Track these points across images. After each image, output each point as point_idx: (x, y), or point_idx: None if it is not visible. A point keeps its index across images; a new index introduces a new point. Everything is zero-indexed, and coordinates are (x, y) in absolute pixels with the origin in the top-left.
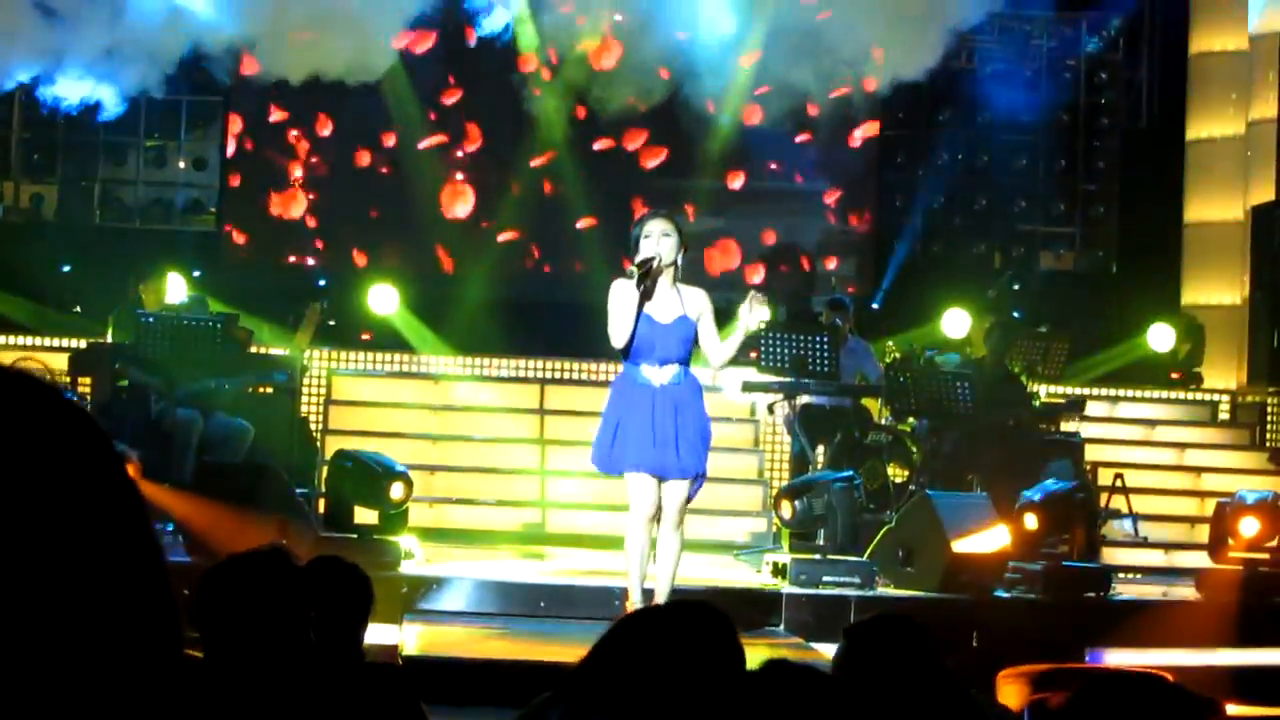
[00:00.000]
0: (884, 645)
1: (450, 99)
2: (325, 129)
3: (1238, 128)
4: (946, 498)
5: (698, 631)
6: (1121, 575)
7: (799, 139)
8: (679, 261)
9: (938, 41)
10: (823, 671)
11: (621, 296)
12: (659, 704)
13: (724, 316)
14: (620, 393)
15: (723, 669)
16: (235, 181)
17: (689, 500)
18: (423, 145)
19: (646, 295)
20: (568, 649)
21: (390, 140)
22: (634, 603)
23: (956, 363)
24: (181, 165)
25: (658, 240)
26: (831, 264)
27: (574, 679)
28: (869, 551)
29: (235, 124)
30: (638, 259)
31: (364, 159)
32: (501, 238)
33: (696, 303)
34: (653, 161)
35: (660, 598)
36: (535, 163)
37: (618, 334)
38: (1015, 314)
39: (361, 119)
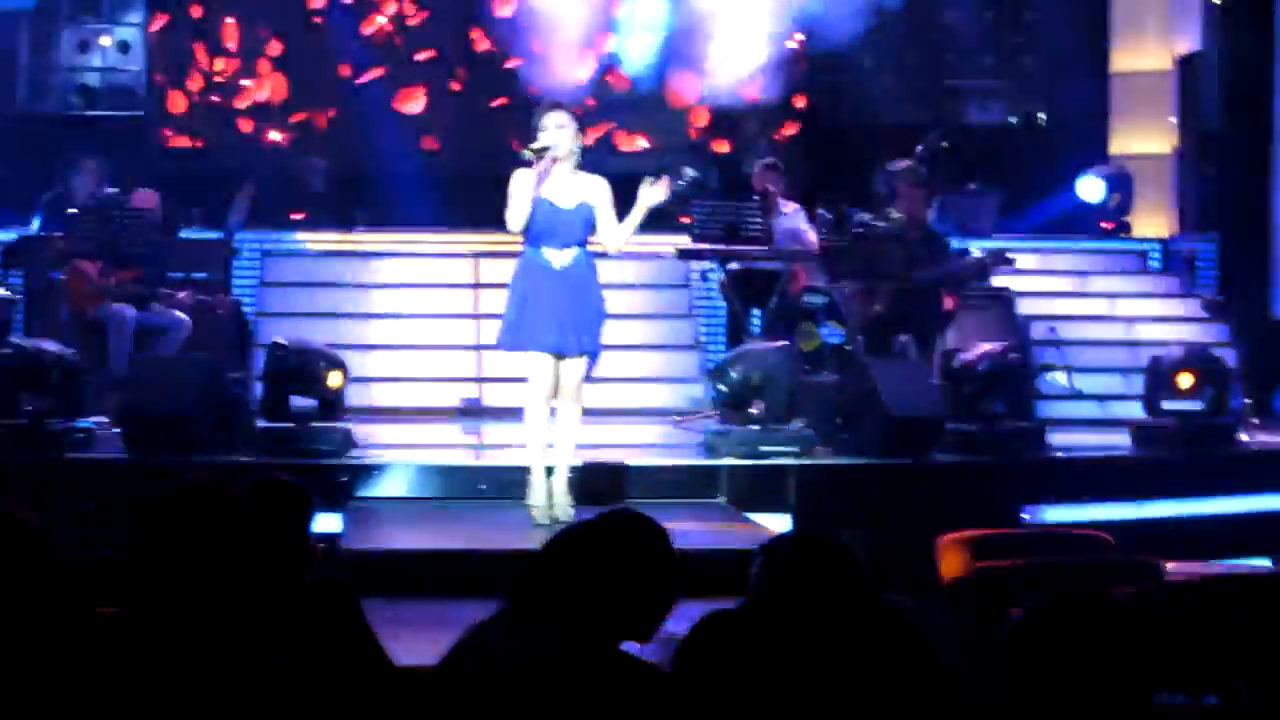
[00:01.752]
0: (803, 567)
1: None
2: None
3: None
4: (882, 363)
5: (634, 544)
6: (1057, 428)
7: None
8: (576, 150)
9: None
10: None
11: (521, 183)
12: (598, 616)
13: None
14: (523, 275)
15: (658, 579)
16: (160, 67)
17: (586, 376)
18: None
19: (541, 178)
20: (508, 534)
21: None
22: (537, 485)
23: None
24: (106, 45)
25: (554, 131)
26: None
27: (514, 594)
28: (807, 420)
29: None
30: (532, 145)
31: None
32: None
33: (596, 190)
34: None
35: (562, 467)
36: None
37: (514, 218)
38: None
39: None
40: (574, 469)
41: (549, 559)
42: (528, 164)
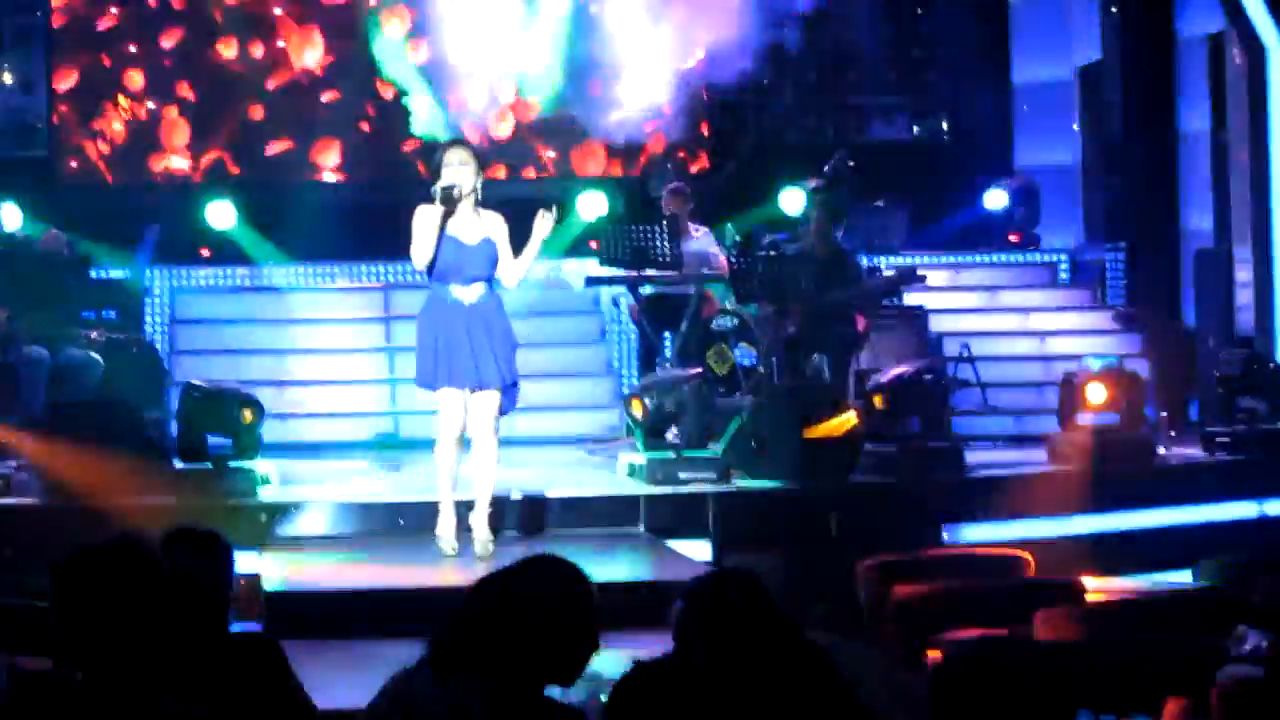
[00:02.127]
0: (723, 606)
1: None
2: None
3: None
4: (796, 387)
5: (554, 589)
6: (973, 445)
7: None
8: (478, 187)
9: None
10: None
11: (424, 220)
12: (522, 661)
13: None
14: (432, 312)
15: (580, 623)
16: (64, 103)
17: (505, 410)
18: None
19: (447, 217)
20: (428, 571)
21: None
22: (445, 517)
23: (785, 241)
24: (8, 82)
25: (456, 169)
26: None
27: (437, 641)
28: (723, 445)
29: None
30: (438, 185)
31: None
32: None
33: (497, 225)
34: None
35: (482, 503)
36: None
37: (419, 256)
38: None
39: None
40: (493, 502)
41: (470, 605)
42: (429, 200)
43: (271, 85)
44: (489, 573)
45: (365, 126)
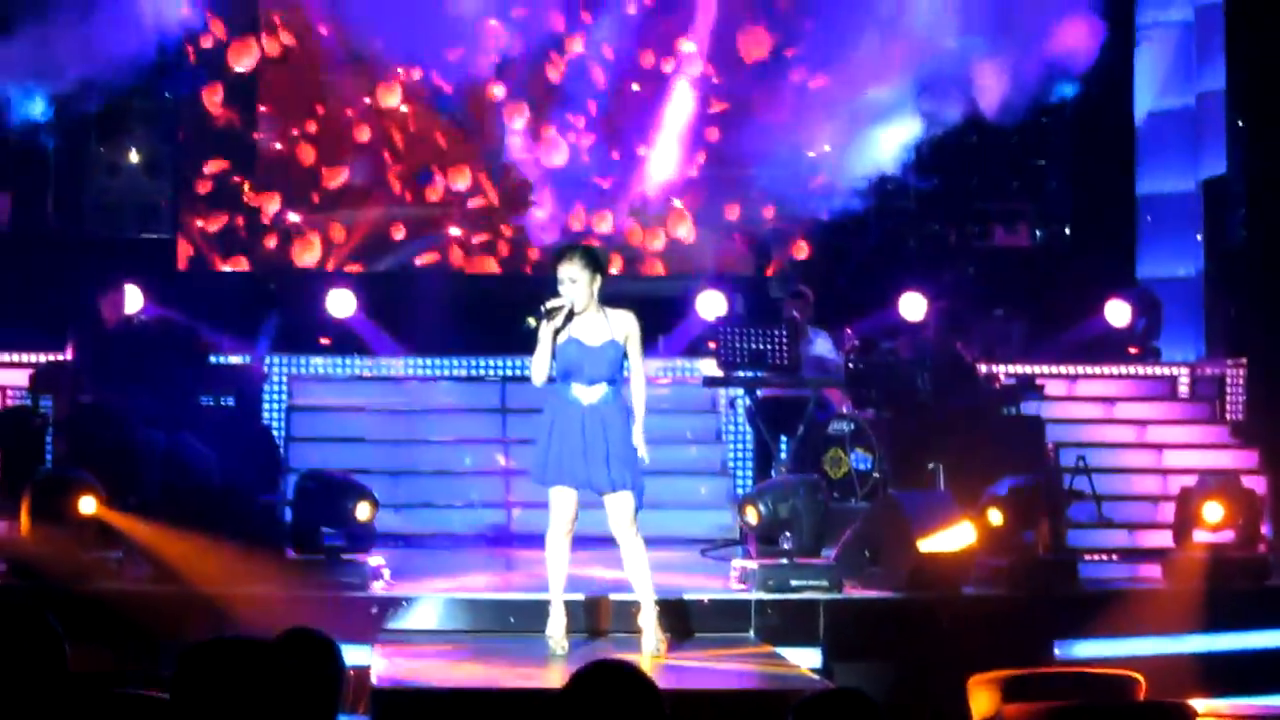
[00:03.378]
0: None
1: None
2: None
3: (1187, 99)
4: (911, 495)
5: (625, 699)
6: (1087, 558)
7: None
8: (594, 292)
9: None
10: None
11: (541, 335)
12: None
13: None
14: (552, 410)
15: None
16: (191, 186)
17: (636, 511)
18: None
19: (557, 333)
20: (537, 671)
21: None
22: (555, 617)
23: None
24: (134, 161)
25: (567, 285)
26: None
27: None
28: (835, 552)
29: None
30: (546, 305)
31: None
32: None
33: (623, 326)
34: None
35: (646, 604)
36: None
37: (536, 373)
38: (969, 296)
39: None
40: (657, 603)
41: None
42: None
43: (410, 199)
44: (562, 685)
45: (490, 223)
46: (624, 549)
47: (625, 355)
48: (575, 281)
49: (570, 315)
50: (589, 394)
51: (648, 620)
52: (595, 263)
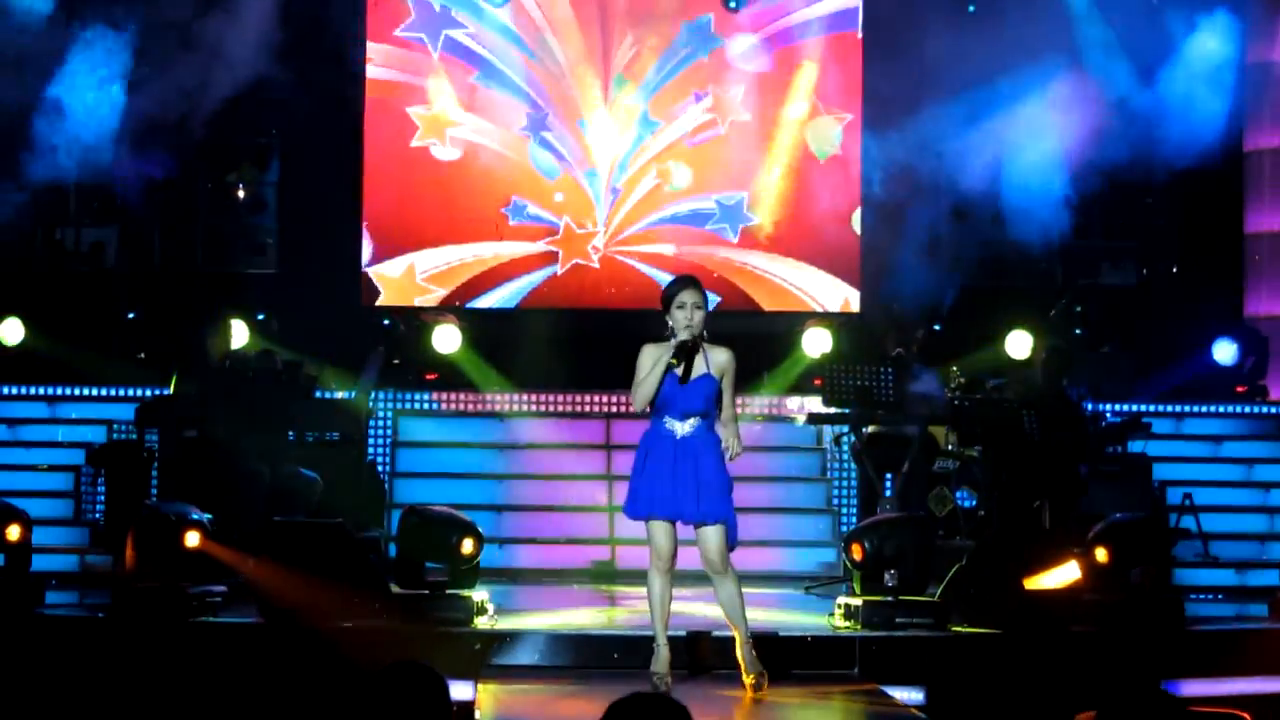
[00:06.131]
0: None
1: None
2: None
3: None
4: (1016, 533)
5: None
6: (1194, 597)
7: None
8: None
9: None
10: None
11: (649, 361)
12: None
13: None
14: (647, 442)
15: None
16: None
17: (731, 547)
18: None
19: (685, 371)
20: None
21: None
22: (659, 653)
23: (1009, 385)
24: (241, 196)
25: (691, 311)
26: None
27: None
28: (940, 590)
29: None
30: (676, 340)
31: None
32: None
33: (720, 362)
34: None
35: (741, 641)
36: None
37: (640, 399)
38: (1076, 332)
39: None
40: (751, 637)
41: None
42: (655, 339)
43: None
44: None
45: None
46: (716, 584)
47: (720, 391)
48: (700, 308)
49: (697, 347)
50: (681, 427)
51: (743, 656)
52: (706, 295)
